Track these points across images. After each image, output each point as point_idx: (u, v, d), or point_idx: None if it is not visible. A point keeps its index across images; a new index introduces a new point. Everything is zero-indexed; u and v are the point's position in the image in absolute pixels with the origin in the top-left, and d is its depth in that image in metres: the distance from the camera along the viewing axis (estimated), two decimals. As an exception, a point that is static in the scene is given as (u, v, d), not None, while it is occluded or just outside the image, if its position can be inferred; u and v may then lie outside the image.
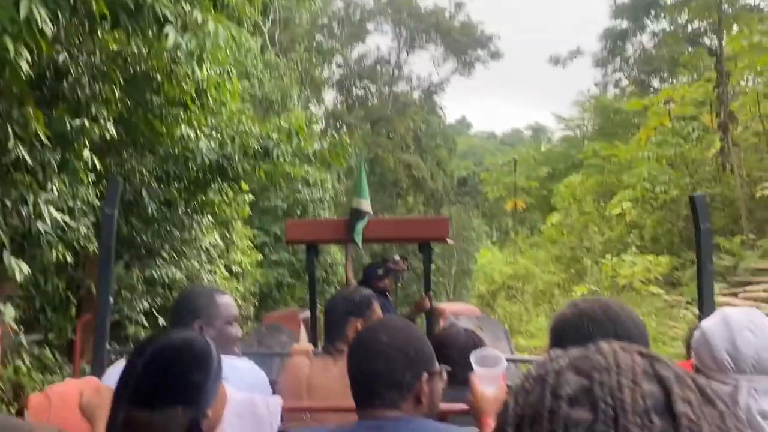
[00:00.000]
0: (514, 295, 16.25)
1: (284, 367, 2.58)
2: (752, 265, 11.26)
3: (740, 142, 13.50)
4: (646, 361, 0.57)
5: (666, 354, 7.36)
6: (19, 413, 1.72)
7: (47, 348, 6.19)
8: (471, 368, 1.71)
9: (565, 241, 17.11)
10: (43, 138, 4.39)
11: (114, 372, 1.90)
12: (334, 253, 20.51)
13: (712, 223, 3.37)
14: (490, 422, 1.62)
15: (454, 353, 2.21)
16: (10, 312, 4.58)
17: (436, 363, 1.57)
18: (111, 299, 3.01)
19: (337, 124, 28.84)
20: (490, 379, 1.73)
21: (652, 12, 26.34)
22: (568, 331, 1.44)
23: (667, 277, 12.43)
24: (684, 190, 13.81)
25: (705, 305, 3.19)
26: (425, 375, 1.48)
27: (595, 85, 31.17)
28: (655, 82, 27.65)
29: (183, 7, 4.58)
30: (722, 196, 13.34)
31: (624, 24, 27.84)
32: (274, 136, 8.05)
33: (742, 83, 15.09)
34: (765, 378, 1.55)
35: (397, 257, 6.15)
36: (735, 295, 10.24)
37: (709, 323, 1.65)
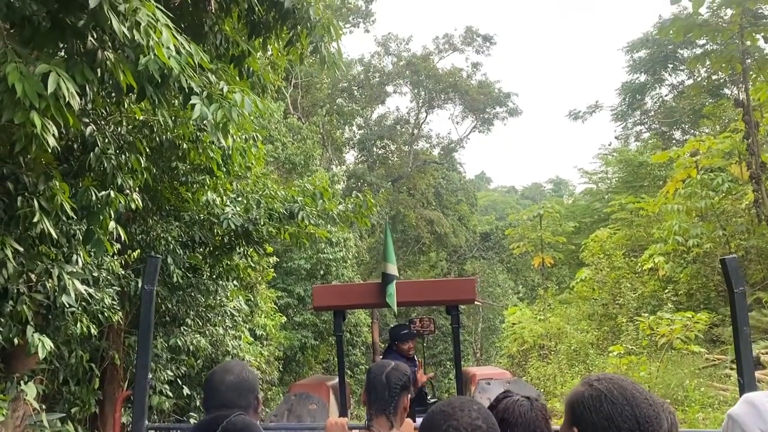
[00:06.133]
0: (546, 355, 15.70)
1: None
2: (796, 320, 10.76)
3: (773, 192, 13.16)
4: None
5: (717, 420, 6.92)
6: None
7: (70, 423, 6.02)
8: None
9: (596, 298, 16.64)
10: (68, 210, 4.35)
11: None
12: (358, 313, 20.24)
13: (749, 277, 3.26)
14: None
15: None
16: (31, 390, 4.45)
17: None
18: (149, 375, 3.04)
19: (359, 183, 29.02)
20: None
21: (670, 65, 26.44)
22: (586, 411, 1.51)
23: (707, 334, 11.92)
24: (717, 242, 13.43)
25: (744, 370, 3.18)
26: None
27: (616, 138, 31.11)
28: (677, 134, 27.50)
29: (208, 78, 4.58)
30: (757, 248, 12.93)
31: (642, 78, 27.95)
32: (299, 199, 8.02)
33: (771, 133, 14.83)
34: None
35: (418, 319, 6.07)
36: (782, 353, 9.72)
37: (735, 410, 1.78)
